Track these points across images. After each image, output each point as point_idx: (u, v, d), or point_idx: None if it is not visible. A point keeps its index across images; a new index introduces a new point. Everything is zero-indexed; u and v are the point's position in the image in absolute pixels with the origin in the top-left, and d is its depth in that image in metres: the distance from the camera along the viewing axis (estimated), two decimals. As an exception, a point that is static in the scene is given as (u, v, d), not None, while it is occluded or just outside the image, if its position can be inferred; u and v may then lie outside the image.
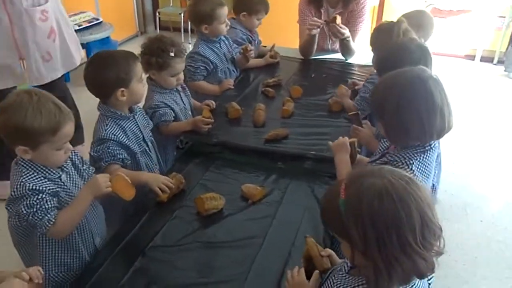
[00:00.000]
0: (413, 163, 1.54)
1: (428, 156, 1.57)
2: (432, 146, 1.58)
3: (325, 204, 1.17)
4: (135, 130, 2.09)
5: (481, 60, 5.42)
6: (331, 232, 1.21)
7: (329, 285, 1.27)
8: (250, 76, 3.19)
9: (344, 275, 1.21)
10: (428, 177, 1.58)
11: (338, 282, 1.20)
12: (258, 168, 2.23)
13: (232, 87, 2.95)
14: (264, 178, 2.16)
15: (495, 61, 5.43)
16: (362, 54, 3.41)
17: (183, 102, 2.54)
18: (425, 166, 1.57)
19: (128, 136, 2.05)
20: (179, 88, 2.53)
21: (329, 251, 1.43)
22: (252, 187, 2.01)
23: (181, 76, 2.44)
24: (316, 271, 1.37)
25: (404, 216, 1.02)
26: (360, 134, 2.17)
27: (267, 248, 1.71)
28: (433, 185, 1.73)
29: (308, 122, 2.56)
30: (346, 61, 3.44)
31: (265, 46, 3.56)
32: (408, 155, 1.56)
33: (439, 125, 1.52)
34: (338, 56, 3.49)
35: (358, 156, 1.95)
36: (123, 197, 1.69)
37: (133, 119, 2.10)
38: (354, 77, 3.17)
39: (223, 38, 3.04)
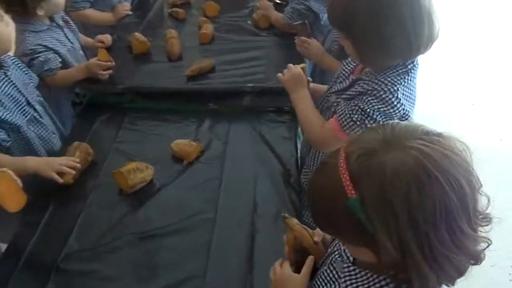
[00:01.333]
0: (398, 89, 1.17)
1: (413, 77, 1.21)
2: (415, 63, 1.21)
3: (318, 207, 0.75)
4: (11, 93, 1.49)
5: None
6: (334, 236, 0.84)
7: (329, 276, 0.91)
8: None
9: (351, 268, 0.85)
10: (414, 104, 1.23)
11: (347, 278, 0.85)
12: (185, 115, 1.76)
13: (130, 13, 2.33)
14: (196, 127, 1.70)
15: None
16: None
17: (69, 41, 1.92)
18: (410, 90, 1.21)
19: (3, 103, 1.45)
20: (60, 22, 1.89)
21: (319, 232, 1.06)
22: (184, 143, 1.56)
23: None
24: (310, 259, 1.00)
25: (455, 198, 0.66)
26: (311, 49, 1.75)
27: (223, 225, 1.30)
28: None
29: (235, 46, 2.08)
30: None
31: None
32: (389, 79, 1.19)
33: (427, 35, 1.14)
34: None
35: (312, 84, 1.55)
36: (6, 208, 1.16)
37: (5, 78, 1.49)
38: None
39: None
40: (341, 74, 1.38)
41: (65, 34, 1.90)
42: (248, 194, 1.41)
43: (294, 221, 1.06)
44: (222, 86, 1.80)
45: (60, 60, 1.81)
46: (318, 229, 1.06)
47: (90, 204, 1.38)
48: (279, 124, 1.72)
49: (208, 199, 1.39)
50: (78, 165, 1.43)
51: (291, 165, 1.53)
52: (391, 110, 1.17)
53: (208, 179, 1.47)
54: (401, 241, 0.65)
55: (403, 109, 1.18)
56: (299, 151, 1.62)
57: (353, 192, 0.67)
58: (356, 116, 1.20)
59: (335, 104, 1.32)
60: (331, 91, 1.39)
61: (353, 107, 1.22)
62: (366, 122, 1.19)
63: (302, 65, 1.52)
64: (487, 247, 0.71)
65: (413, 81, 1.22)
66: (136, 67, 1.97)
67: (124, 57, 2.00)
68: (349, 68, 1.36)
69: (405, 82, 1.19)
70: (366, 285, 0.80)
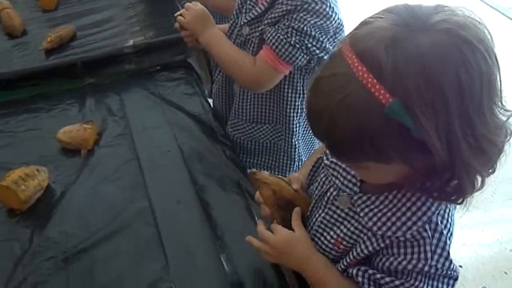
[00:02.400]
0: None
1: None
2: None
3: (338, 135, 0.57)
4: None
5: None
6: (352, 162, 0.65)
7: (333, 218, 0.76)
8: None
9: (364, 198, 0.71)
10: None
11: (366, 210, 0.70)
12: (58, 97, 1.41)
13: None
14: (78, 109, 1.37)
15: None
16: None
17: None
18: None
19: None
20: None
21: (295, 176, 0.88)
22: (76, 129, 1.23)
23: None
24: (296, 211, 0.82)
25: (495, 72, 0.57)
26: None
27: (165, 210, 1.05)
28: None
29: (88, 8, 1.72)
30: None
31: None
32: None
33: None
34: None
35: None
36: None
37: None
38: None
39: None
40: (246, 2, 1.18)
41: None
42: (177, 166, 1.16)
43: (265, 173, 0.86)
44: (96, 52, 1.47)
45: None
46: (292, 175, 0.89)
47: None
48: (177, 81, 1.47)
49: (131, 186, 1.11)
50: None
51: (211, 120, 1.31)
52: (328, 22, 1.02)
53: (122, 162, 1.18)
54: (449, 134, 0.54)
55: (338, 18, 1.04)
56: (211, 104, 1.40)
57: (387, 95, 0.53)
58: (293, 38, 1.03)
59: (253, 35, 1.12)
60: (240, 23, 1.18)
61: (286, 30, 1.03)
62: (306, 42, 1.03)
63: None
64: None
65: None
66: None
67: None
68: None
69: None
70: (393, 209, 0.67)
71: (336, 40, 1.06)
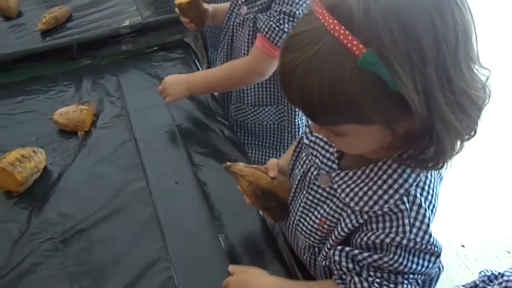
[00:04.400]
0: None
1: None
2: None
3: (311, 93, 0.54)
4: None
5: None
6: (330, 124, 0.63)
7: (316, 198, 0.75)
8: None
9: (342, 174, 0.69)
10: None
11: (343, 186, 0.68)
12: (54, 79, 1.39)
13: None
14: (75, 90, 1.35)
15: None
16: None
17: None
18: None
19: None
20: None
21: (272, 163, 0.86)
22: (72, 110, 1.21)
23: None
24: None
25: (470, 20, 0.55)
26: None
27: (162, 190, 1.04)
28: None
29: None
30: None
31: None
32: None
33: None
34: None
35: (211, 6, 1.29)
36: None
37: None
38: None
39: None
40: None
41: None
42: (175, 146, 1.15)
43: (240, 165, 0.85)
44: (93, 33, 1.44)
45: None
46: (269, 161, 0.87)
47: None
48: (174, 61, 1.46)
49: (129, 167, 1.10)
50: None
51: (208, 100, 1.30)
52: None
53: (119, 143, 1.17)
54: (426, 86, 0.52)
55: None
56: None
57: (361, 46, 0.50)
58: (286, 25, 1.02)
59: (250, 14, 1.10)
60: (239, 3, 1.15)
61: (277, 16, 1.02)
62: None
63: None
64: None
65: None
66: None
67: None
68: None
69: None
70: (370, 183, 0.66)
71: None
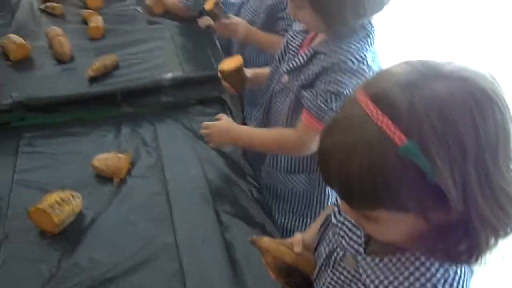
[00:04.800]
0: (366, 55, 1.04)
1: (374, 40, 1.09)
2: (372, 24, 1.10)
3: (350, 179, 0.57)
4: None
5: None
6: (362, 209, 0.66)
7: (340, 280, 0.76)
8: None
9: (368, 259, 0.70)
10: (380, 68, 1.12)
11: (369, 272, 0.69)
12: (96, 124, 1.47)
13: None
14: (114, 136, 1.42)
15: None
16: None
17: None
18: (375, 53, 1.10)
19: None
20: None
21: (297, 239, 0.89)
22: (110, 157, 1.28)
23: None
24: None
25: (511, 128, 0.57)
26: (238, 27, 1.54)
27: (188, 247, 1.08)
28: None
29: (132, 39, 1.79)
30: None
31: None
32: (353, 46, 1.04)
33: None
34: None
35: (251, 71, 1.36)
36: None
37: None
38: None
39: None
40: (289, 50, 1.21)
41: None
42: (205, 202, 1.19)
43: (265, 240, 0.88)
44: (137, 83, 1.53)
45: None
46: (295, 236, 0.90)
47: (5, 261, 1.05)
48: (210, 116, 1.49)
49: (159, 218, 1.15)
50: None
51: (240, 159, 1.34)
52: (364, 80, 1.05)
53: (151, 194, 1.22)
54: (465, 182, 0.54)
55: None
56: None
57: (402, 137, 0.53)
58: (334, 104, 1.05)
59: (292, 84, 1.15)
60: (281, 71, 1.21)
61: (324, 96, 1.05)
62: None
63: (236, 65, 1.29)
64: None
65: (374, 43, 1.09)
66: (19, 76, 1.59)
67: (2, 66, 1.61)
68: (296, 42, 1.19)
69: (369, 46, 1.06)
70: (396, 273, 0.66)
71: None
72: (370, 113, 0.56)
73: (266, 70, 1.33)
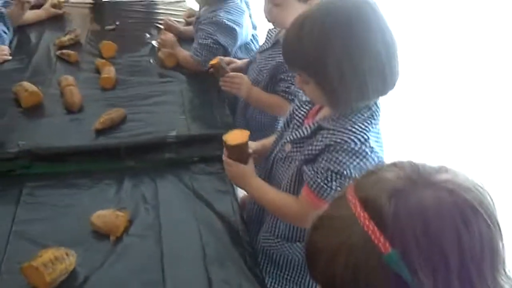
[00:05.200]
0: (368, 137, 1.06)
1: (378, 120, 1.11)
2: (378, 104, 1.11)
3: (332, 277, 0.59)
4: None
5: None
6: None
7: None
8: (31, 36, 2.22)
9: None
10: (383, 148, 1.14)
11: None
12: (99, 176, 1.49)
13: (9, 58, 1.98)
14: (115, 191, 1.44)
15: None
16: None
17: None
18: (378, 134, 1.11)
19: None
20: None
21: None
22: (108, 214, 1.29)
23: None
24: None
25: (497, 237, 0.58)
26: (242, 84, 1.60)
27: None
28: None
29: (142, 91, 1.84)
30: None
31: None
32: (357, 126, 1.06)
33: (398, 70, 1.06)
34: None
35: (258, 143, 1.36)
36: None
37: None
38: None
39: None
40: (294, 119, 1.24)
41: None
42: (198, 268, 1.19)
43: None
44: (141, 138, 1.56)
45: None
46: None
47: (-5, 317, 1.06)
48: (212, 175, 1.53)
49: (152, 281, 1.15)
50: None
51: (238, 223, 1.35)
52: (367, 162, 1.05)
53: (146, 255, 1.22)
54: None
55: (377, 157, 1.07)
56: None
57: (387, 245, 0.54)
58: (334, 183, 1.06)
59: (294, 154, 1.17)
60: (285, 140, 1.23)
61: (325, 174, 1.07)
62: (346, 184, 1.02)
63: (240, 141, 1.26)
64: None
65: (378, 124, 1.11)
66: (27, 124, 1.63)
67: (11, 112, 1.66)
68: (302, 112, 1.22)
69: (372, 127, 1.07)
70: None
71: None
72: (358, 217, 0.58)
73: (270, 139, 1.35)
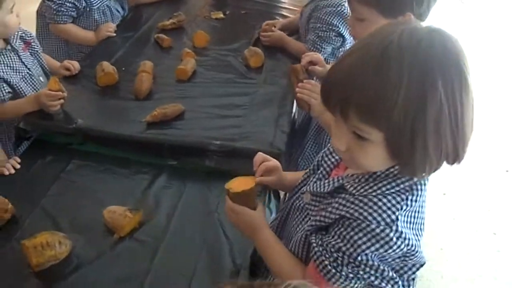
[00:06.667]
0: (397, 217, 0.81)
1: (419, 196, 0.85)
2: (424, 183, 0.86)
3: None
4: None
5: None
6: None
7: None
8: (143, 15, 2.33)
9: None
10: (421, 233, 0.87)
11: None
12: (139, 167, 1.51)
13: (113, 34, 2.11)
14: (147, 186, 1.44)
15: (445, -19, 4.76)
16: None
17: (25, 66, 1.69)
18: (415, 215, 0.85)
19: None
20: (17, 44, 1.67)
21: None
22: (119, 212, 1.29)
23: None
24: None
25: None
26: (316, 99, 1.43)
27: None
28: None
29: (215, 89, 1.80)
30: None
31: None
32: (385, 200, 0.82)
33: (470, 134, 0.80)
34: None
35: (286, 174, 1.20)
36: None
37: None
38: (284, 12, 2.43)
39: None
40: (322, 165, 1.03)
41: (20, 58, 1.67)
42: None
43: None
44: (185, 140, 1.53)
45: (8, 90, 1.60)
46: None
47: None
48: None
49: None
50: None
51: (243, 269, 1.20)
52: (390, 250, 0.83)
53: (138, 265, 1.20)
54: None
55: (407, 245, 0.83)
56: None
57: None
58: (345, 268, 0.85)
59: (311, 207, 0.98)
60: (306, 188, 1.03)
61: (335, 253, 0.86)
62: (361, 272, 0.85)
63: (244, 188, 1.10)
64: None
65: (419, 201, 0.85)
66: (97, 102, 1.72)
67: (89, 89, 1.77)
68: (332, 159, 1.01)
69: (408, 204, 0.83)
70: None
71: (404, 261, 0.87)
72: None
73: (298, 175, 1.17)
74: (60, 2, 2.04)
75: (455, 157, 0.80)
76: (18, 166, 1.48)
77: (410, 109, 0.74)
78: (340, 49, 1.92)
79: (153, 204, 1.38)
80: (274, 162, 1.17)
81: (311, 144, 1.71)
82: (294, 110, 1.80)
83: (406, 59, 0.74)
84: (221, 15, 2.33)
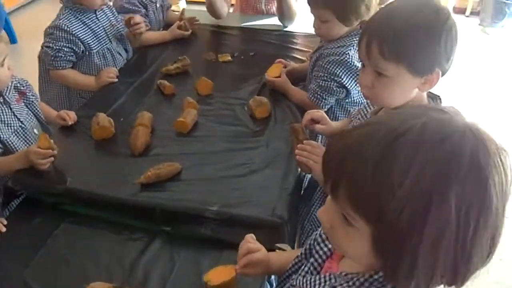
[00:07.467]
0: None
1: None
2: None
3: None
4: None
5: (452, 12, 4.64)
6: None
7: None
8: (147, 58, 2.26)
9: None
10: None
11: None
12: (129, 234, 1.40)
13: (114, 80, 2.04)
14: (138, 255, 1.33)
15: (467, 12, 4.66)
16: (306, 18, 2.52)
17: (17, 119, 1.62)
18: None
19: None
20: (9, 96, 1.60)
21: None
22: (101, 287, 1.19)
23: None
24: None
25: None
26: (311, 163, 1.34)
27: None
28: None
29: (216, 144, 1.69)
30: (285, 29, 2.56)
31: (176, 12, 2.63)
32: None
33: None
34: (275, 21, 2.61)
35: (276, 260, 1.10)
36: None
37: None
38: (296, 54, 2.34)
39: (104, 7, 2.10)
40: (314, 256, 0.93)
41: (13, 111, 1.60)
42: None
43: None
44: (178, 205, 1.42)
45: (-1, 146, 1.53)
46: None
47: None
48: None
49: None
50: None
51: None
52: None
53: None
54: None
55: None
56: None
57: None
58: None
59: None
60: (297, 282, 0.91)
61: None
62: None
63: (224, 279, 1.07)
64: None
65: None
66: (90, 159, 1.63)
67: (84, 142, 1.68)
68: (325, 248, 0.92)
69: None
70: None
71: None
72: None
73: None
74: (57, 47, 1.98)
75: (451, 281, 0.68)
76: (4, 230, 1.40)
77: (407, 211, 0.62)
78: (347, 100, 1.81)
79: (141, 278, 1.27)
80: (259, 255, 1.07)
81: (317, 206, 1.59)
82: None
83: (419, 155, 0.62)
84: (229, 58, 2.25)
